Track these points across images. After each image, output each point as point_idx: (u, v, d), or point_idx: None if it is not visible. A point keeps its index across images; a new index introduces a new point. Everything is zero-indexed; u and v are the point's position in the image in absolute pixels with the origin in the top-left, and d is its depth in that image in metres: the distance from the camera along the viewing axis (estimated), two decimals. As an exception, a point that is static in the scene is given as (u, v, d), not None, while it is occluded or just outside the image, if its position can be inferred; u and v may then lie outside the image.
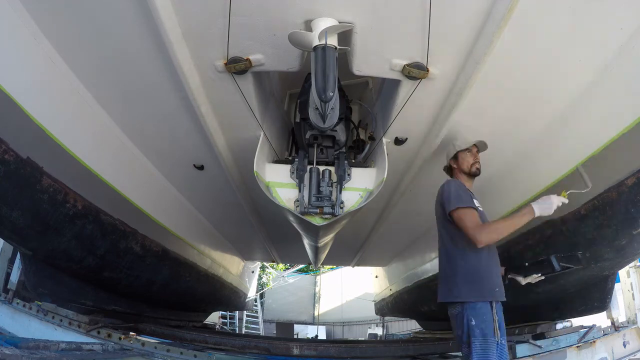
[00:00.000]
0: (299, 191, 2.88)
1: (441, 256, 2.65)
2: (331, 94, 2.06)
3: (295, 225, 3.26)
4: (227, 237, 6.84)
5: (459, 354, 2.53)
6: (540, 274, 2.63)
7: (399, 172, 3.76)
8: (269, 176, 2.99)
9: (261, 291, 16.98)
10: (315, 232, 3.20)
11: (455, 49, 2.31)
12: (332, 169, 2.95)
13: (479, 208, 2.62)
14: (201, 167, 3.90)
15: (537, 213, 2.46)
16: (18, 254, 4.11)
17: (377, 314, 11.81)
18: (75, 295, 3.79)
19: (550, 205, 2.48)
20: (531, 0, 1.99)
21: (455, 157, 2.85)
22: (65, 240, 3.16)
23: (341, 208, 2.82)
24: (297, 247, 6.44)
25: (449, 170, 2.94)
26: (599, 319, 3.90)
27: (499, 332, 2.33)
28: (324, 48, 2.02)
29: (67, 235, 3.13)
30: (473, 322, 2.34)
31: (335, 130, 2.89)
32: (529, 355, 3.26)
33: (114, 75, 2.75)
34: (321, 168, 2.92)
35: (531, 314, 4.15)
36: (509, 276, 2.69)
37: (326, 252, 6.14)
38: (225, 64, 2.41)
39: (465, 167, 2.79)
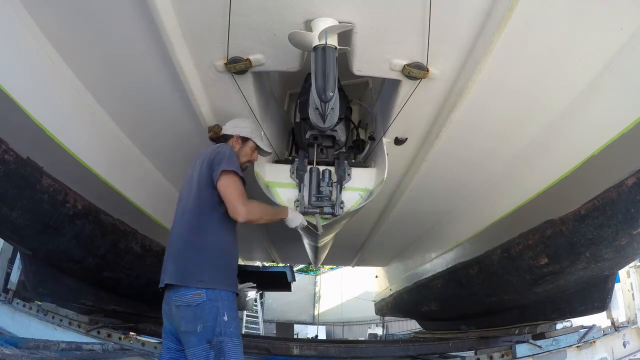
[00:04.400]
0: (299, 191, 2.88)
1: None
2: (331, 94, 2.06)
3: (295, 225, 3.26)
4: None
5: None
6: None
7: (399, 172, 3.75)
8: (269, 176, 3.00)
9: (261, 291, 16.96)
10: (315, 232, 3.20)
11: (455, 49, 2.30)
12: (332, 169, 2.95)
13: None
14: (201, 167, 3.89)
15: (289, 217, 2.62)
16: (18, 254, 4.11)
17: (377, 314, 11.79)
18: (75, 295, 3.79)
19: (296, 219, 2.64)
20: (531, 0, 1.99)
21: (246, 140, 2.64)
22: (65, 240, 3.16)
23: (341, 208, 2.82)
24: (297, 247, 6.43)
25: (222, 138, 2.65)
26: (599, 319, 3.89)
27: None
28: (324, 48, 2.02)
29: (67, 235, 3.13)
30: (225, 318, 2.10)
31: (335, 130, 2.88)
32: (529, 355, 3.26)
33: (114, 76, 2.75)
34: (321, 168, 2.92)
35: (531, 314, 4.15)
36: None
37: (326, 252, 6.14)
38: (225, 64, 2.40)
39: (244, 158, 2.61)
